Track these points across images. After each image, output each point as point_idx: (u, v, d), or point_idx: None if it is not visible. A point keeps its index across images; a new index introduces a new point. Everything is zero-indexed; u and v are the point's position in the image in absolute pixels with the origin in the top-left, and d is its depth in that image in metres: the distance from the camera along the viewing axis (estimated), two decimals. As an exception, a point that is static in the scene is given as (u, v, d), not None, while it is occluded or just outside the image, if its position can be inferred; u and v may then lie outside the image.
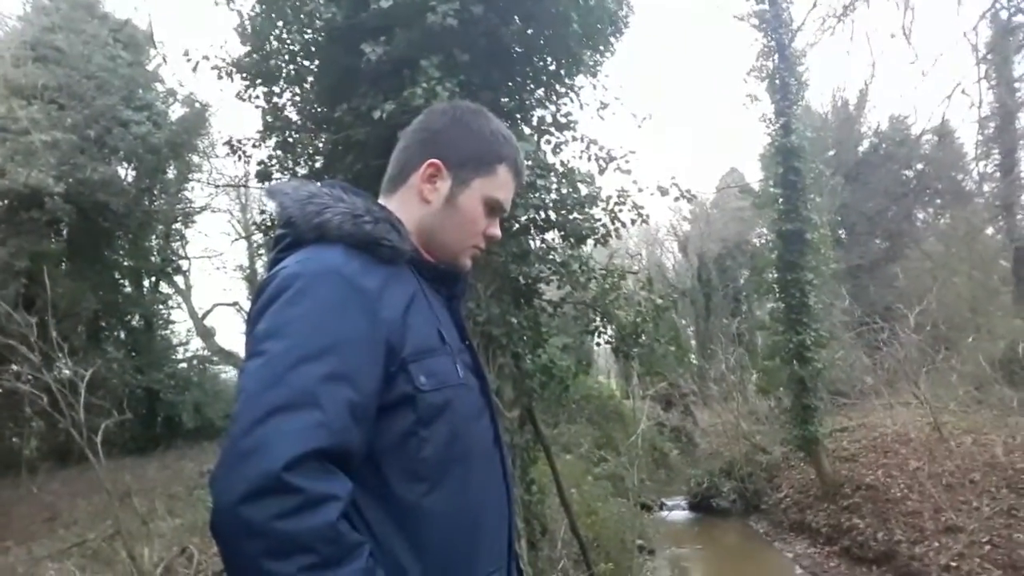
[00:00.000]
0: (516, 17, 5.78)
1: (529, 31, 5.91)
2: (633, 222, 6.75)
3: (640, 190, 6.58)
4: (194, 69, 6.39)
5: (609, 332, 6.99)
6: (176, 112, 15.74)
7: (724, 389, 17.06)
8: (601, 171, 6.53)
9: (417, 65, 5.22)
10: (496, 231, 1.41)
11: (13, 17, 14.44)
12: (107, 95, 13.34)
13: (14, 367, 9.58)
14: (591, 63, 6.51)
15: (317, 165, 6.79)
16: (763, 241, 18.54)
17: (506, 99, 6.19)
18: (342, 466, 1.03)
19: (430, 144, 1.36)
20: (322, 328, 1.08)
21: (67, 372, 8.81)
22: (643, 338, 6.88)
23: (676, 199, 6.78)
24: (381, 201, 1.35)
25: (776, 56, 11.77)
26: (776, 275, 11.80)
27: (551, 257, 6.68)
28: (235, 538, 0.95)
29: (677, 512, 13.99)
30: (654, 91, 40.70)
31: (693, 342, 24.93)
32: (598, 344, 7.58)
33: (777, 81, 11.69)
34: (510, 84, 6.21)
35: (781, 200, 11.65)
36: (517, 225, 6.11)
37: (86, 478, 9.74)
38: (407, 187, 1.36)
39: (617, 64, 32.46)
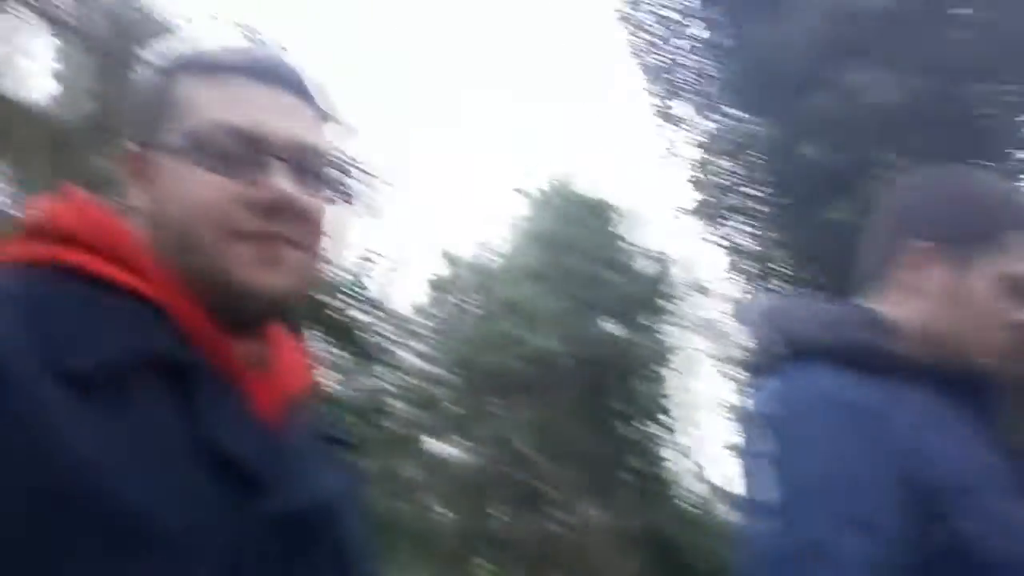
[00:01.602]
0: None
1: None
2: None
3: None
4: (655, 217, 6.99)
5: None
6: (646, 266, 17.44)
7: None
8: None
9: (869, 157, 4.80)
10: None
11: (522, 219, 18.24)
12: (590, 262, 15.54)
13: (550, 510, 11.07)
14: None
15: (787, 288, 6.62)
16: None
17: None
18: None
19: (908, 224, 1.12)
20: (822, 465, 0.92)
21: (592, 514, 9.77)
22: None
23: None
24: (863, 304, 1.15)
25: None
26: None
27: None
28: None
29: None
30: None
31: None
32: None
33: None
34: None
35: None
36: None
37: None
38: (892, 282, 1.13)
39: None
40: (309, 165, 0.74)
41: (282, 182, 0.70)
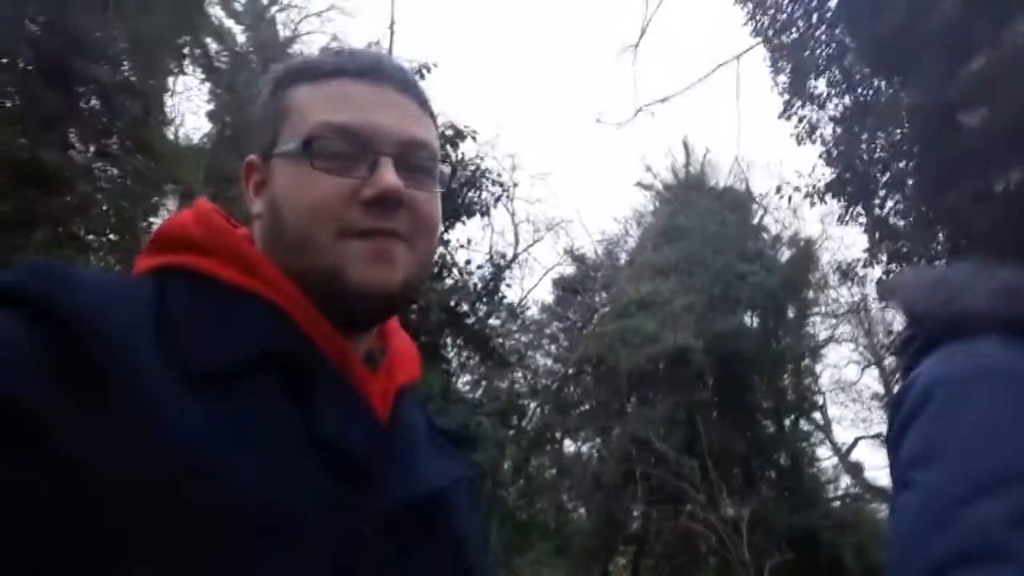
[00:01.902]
0: None
1: None
2: None
3: None
4: (789, 201, 6.66)
5: None
6: (784, 254, 16.56)
7: None
8: None
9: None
10: None
11: (648, 213, 17.90)
12: (723, 255, 14.99)
13: (688, 507, 10.79)
14: None
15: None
16: None
17: None
18: None
19: None
20: (991, 449, 0.78)
21: (730, 511, 9.46)
22: None
23: None
24: None
25: None
26: None
27: None
28: None
29: None
30: None
31: None
32: None
33: None
34: None
35: None
36: None
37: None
38: None
39: None
40: (417, 160, 0.75)
41: (390, 177, 0.70)
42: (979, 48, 4.64)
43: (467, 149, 8.92)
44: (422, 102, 0.79)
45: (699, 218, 15.82)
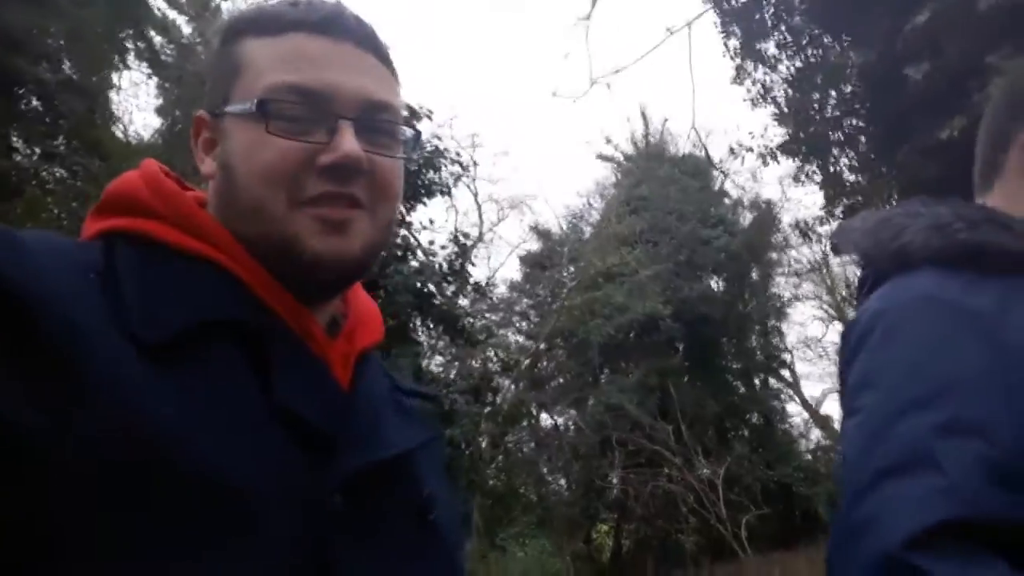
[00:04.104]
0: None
1: None
2: None
3: None
4: (742, 162, 6.75)
5: None
6: (746, 218, 16.80)
7: None
8: None
9: (981, 66, 4.42)
10: None
11: (610, 185, 17.98)
12: (687, 222, 15.15)
13: (665, 470, 11.00)
14: None
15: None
16: None
17: None
18: (986, 544, 0.75)
19: (1021, 111, 1.01)
20: (923, 370, 0.84)
21: (705, 471, 9.65)
22: None
23: None
24: (978, 201, 1.05)
25: None
26: None
27: None
28: None
29: None
30: None
31: None
32: None
33: None
34: None
35: None
36: None
37: (741, 571, 10.23)
38: (1008, 171, 1.02)
39: None
40: (379, 123, 0.71)
41: (350, 143, 0.66)
42: (922, 2, 4.73)
43: (424, 129, 8.85)
44: (384, 58, 0.74)
45: (660, 187, 15.93)
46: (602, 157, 18.06)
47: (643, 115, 17.86)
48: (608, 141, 17.91)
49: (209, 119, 0.74)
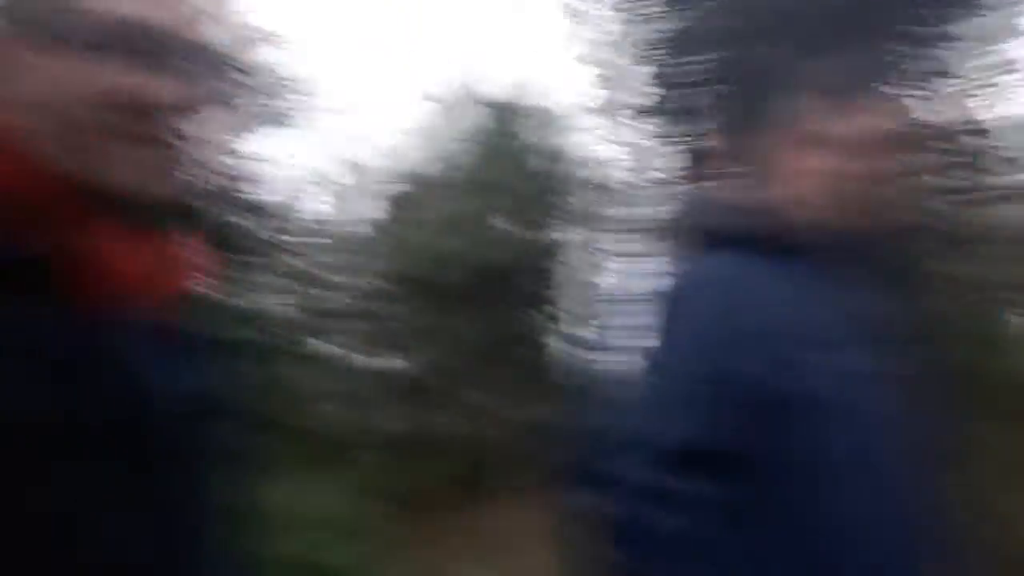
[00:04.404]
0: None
1: None
2: None
3: None
4: (555, 119, 6.83)
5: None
6: (542, 165, 17.54)
7: None
8: None
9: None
10: None
11: (431, 128, 17.79)
12: (493, 168, 15.44)
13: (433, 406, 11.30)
14: None
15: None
16: None
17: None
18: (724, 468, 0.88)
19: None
20: (697, 353, 0.96)
21: (477, 405, 9.96)
22: None
23: None
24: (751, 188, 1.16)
25: None
26: None
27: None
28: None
29: None
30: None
31: None
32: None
33: None
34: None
35: None
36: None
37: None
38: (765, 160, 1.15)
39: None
40: (163, 48, 0.64)
41: (129, 71, 0.62)
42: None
43: (267, 54, 8.17)
44: None
45: (477, 131, 16.04)
46: (427, 97, 17.80)
47: (466, 63, 17.79)
48: (430, 86, 17.69)
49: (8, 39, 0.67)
